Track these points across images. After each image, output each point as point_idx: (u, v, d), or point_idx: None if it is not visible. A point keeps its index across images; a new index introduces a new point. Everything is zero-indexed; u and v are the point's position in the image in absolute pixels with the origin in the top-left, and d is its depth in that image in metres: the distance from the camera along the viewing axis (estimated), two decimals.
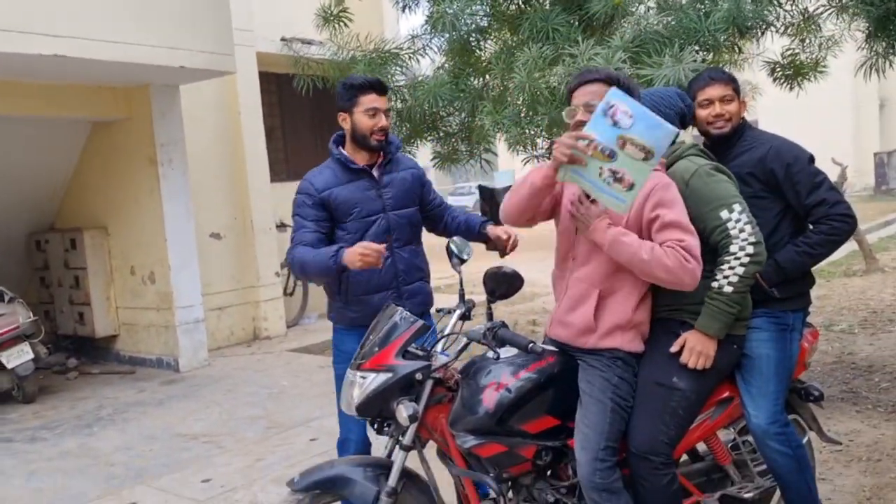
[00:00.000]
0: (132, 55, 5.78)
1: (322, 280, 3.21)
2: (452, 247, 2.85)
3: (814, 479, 2.79)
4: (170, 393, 6.45)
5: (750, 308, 2.65)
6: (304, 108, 9.02)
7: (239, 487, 4.22)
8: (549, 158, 4.75)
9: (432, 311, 3.22)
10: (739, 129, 2.89)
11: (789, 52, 5.46)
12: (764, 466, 2.80)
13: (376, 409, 2.48)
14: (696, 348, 2.49)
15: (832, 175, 4.41)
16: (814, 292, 3.01)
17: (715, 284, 2.48)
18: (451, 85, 5.09)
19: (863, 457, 3.94)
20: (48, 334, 7.25)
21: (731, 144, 2.88)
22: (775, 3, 4.63)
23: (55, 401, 6.44)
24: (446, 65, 5.54)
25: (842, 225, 2.78)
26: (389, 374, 2.44)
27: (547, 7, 4.66)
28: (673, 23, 4.17)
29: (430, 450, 2.66)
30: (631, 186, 2.26)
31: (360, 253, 2.75)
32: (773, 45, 5.37)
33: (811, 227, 2.84)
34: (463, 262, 2.83)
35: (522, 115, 4.18)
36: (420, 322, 2.53)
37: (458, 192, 37.86)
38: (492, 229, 3.18)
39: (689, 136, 4.00)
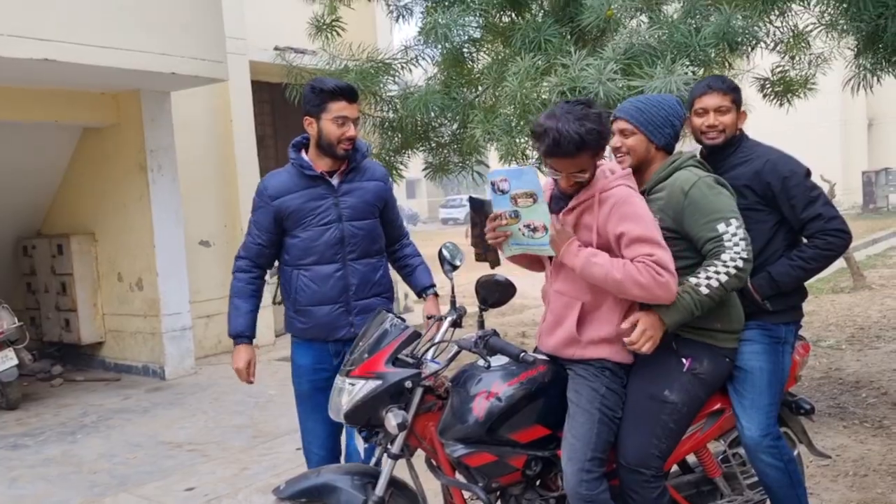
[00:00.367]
0: (123, 60, 5.76)
1: None
2: (445, 252, 2.82)
3: (805, 494, 2.79)
4: (155, 401, 6.39)
5: (742, 321, 2.64)
6: (296, 118, 8.95)
7: (223, 496, 4.18)
8: (540, 168, 4.77)
9: (422, 319, 3.16)
10: (736, 140, 2.89)
11: (779, 69, 5.51)
12: (754, 479, 2.79)
13: (365, 417, 2.45)
14: (646, 332, 2.43)
15: None
16: (805, 316, 3.02)
17: (693, 280, 2.44)
18: (442, 94, 5.10)
19: (850, 472, 3.94)
20: (33, 341, 7.18)
21: (727, 155, 2.88)
22: (765, 19, 4.67)
23: (39, 408, 6.36)
24: (438, 75, 5.56)
25: (837, 240, 2.78)
26: (379, 382, 2.42)
27: (539, 19, 4.69)
28: (664, 37, 4.20)
29: (418, 459, 2.64)
30: (545, 228, 2.47)
31: (235, 365, 3.04)
32: (763, 61, 5.42)
33: (806, 241, 2.84)
34: (455, 268, 2.81)
35: (513, 124, 4.19)
36: (411, 329, 2.51)
37: (449, 204, 37.94)
38: (429, 305, 3.17)
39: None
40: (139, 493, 4.33)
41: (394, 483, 2.48)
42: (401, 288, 8.54)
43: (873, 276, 10.69)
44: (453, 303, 2.72)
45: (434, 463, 2.60)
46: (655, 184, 2.61)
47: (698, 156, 2.87)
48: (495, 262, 2.83)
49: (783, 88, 5.49)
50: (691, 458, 2.85)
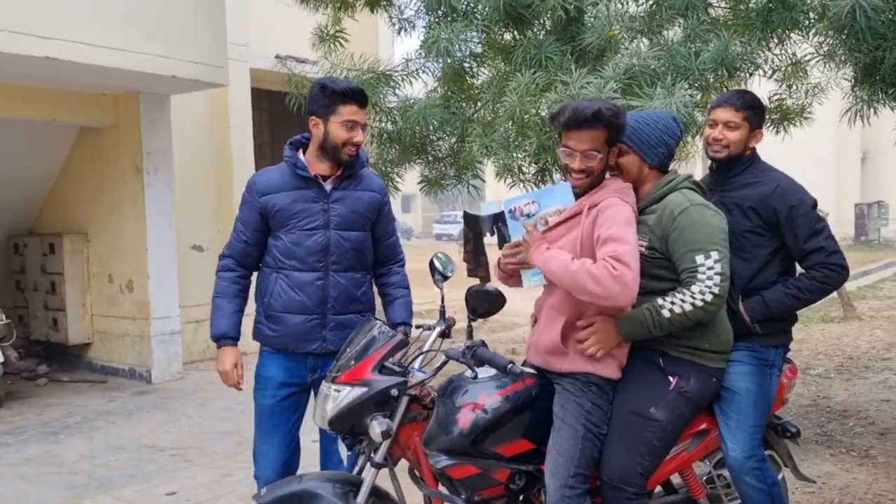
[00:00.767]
0: (125, 61, 5.76)
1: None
2: (436, 262, 2.81)
3: None
4: (140, 404, 6.34)
5: (730, 342, 2.64)
6: (295, 127, 9.01)
7: (204, 502, 4.14)
8: (536, 183, 4.77)
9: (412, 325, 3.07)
10: (747, 159, 2.89)
11: (776, 97, 5.55)
12: (738, 502, 2.77)
13: (349, 424, 2.44)
14: (598, 334, 2.45)
15: None
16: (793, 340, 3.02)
17: (658, 301, 2.44)
18: (442, 108, 5.12)
19: (835, 499, 3.93)
20: (20, 339, 7.11)
21: (736, 172, 2.88)
22: (764, 45, 4.70)
23: (22, 406, 6.30)
24: (439, 89, 5.58)
25: (835, 275, 2.79)
26: (364, 389, 2.40)
27: (541, 37, 4.72)
28: (664, 59, 4.23)
29: (402, 473, 2.61)
30: None
31: (221, 367, 2.88)
32: (761, 89, 5.45)
33: (803, 271, 2.84)
34: (446, 278, 2.80)
35: (511, 139, 4.20)
36: (399, 337, 2.50)
37: (444, 219, 37.98)
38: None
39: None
40: (119, 495, 4.28)
41: (376, 492, 2.46)
42: None
43: (863, 307, 10.75)
44: (442, 313, 2.72)
45: (417, 473, 2.59)
46: (648, 204, 2.60)
47: (711, 166, 2.89)
48: (486, 279, 2.83)
49: (780, 116, 5.53)
50: (676, 479, 2.84)
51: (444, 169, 5.94)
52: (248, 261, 2.96)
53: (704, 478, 2.83)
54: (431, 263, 2.83)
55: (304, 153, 2.92)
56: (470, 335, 2.61)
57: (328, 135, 2.80)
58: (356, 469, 2.52)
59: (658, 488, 2.81)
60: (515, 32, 5.06)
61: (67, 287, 7.46)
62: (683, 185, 2.61)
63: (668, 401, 2.50)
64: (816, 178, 23.95)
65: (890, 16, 3.96)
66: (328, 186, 2.87)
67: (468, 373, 2.52)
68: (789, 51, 5.26)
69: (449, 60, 5.18)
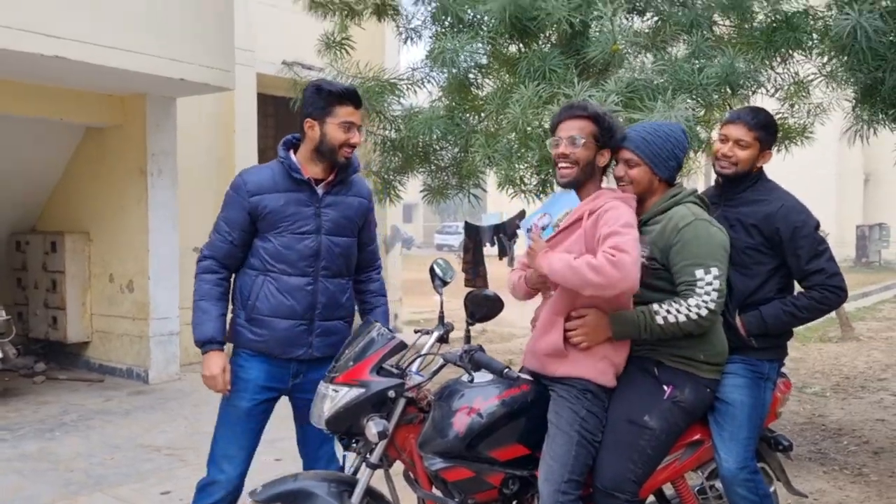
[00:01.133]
0: (133, 63, 5.81)
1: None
2: (436, 268, 2.81)
3: None
4: (137, 404, 6.35)
5: (725, 355, 2.66)
6: (299, 132, 9.05)
7: None
8: (537, 194, 4.79)
9: (412, 331, 3.12)
10: (753, 176, 2.92)
11: (779, 116, 5.59)
12: None
13: (346, 425, 2.46)
14: (588, 328, 2.48)
15: None
16: (788, 355, 3.04)
17: (655, 307, 2.48)
18: (446, 118, 5.16)
19: None
20: (19, 336, 7.13)
21: (742, 188, 2.91)
22: (767, 64, 4.75)
23: (19, 403, 6.31)
24: (443, 99, 5.62)
25: (833, 296, 2.82)
26: (362, 390, 2.43)
27: (546, 49, 4.76)
28: (667, 74, 4.27)
29: (397, 476, 2.63)
30: None
31: (209, 371, 2.80)
32: (764, 106, 5.48)
33: (803, 290, 2.86)
34: (445, 284, 2.82)
35: (514, 150, 4.24)
36: (398, 339, 2.52)
37: (445, 230, 38.04)
38: None
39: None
40: (114, 493, 4.29)
41: (370, 493, 2.48)
42: (391, 308, 8.52)
43: (862, 328, 10.76)
44: (441, 318, 2.73)
45: (412, 476, 2.60)
46: (653, 215, 2.63)
47: (717, 180, 2.93)
48: (484, 288, 2.86)
49: (782, 135, 5.56)
50: (668, 490, 2.85)
51: (446, 178, 5.98)
52: (231, 262, 2.88)
53: (697, 489, 2.84)
54: (432, 269, 2.85)
55: (294, 154, 2.87)
56: (467, 341, 2.64)
57: (325, 136, 2.77)
58: (350, 469, 2.54)
59: (650, 498, 2.82)
60: (521, 45, 5.11)
61: (68, 286, 7.49)
62: (689, 199, 2.64)
63: (662, 409, 2.52)
64: (818, 198, 23.91)
65: (891, 37, 4.00)
66: (320, 191, 2.82)
67: (465, 377, 2.54)
68: (792, 70, 5.30)
69: (454, 71, 5.22)
